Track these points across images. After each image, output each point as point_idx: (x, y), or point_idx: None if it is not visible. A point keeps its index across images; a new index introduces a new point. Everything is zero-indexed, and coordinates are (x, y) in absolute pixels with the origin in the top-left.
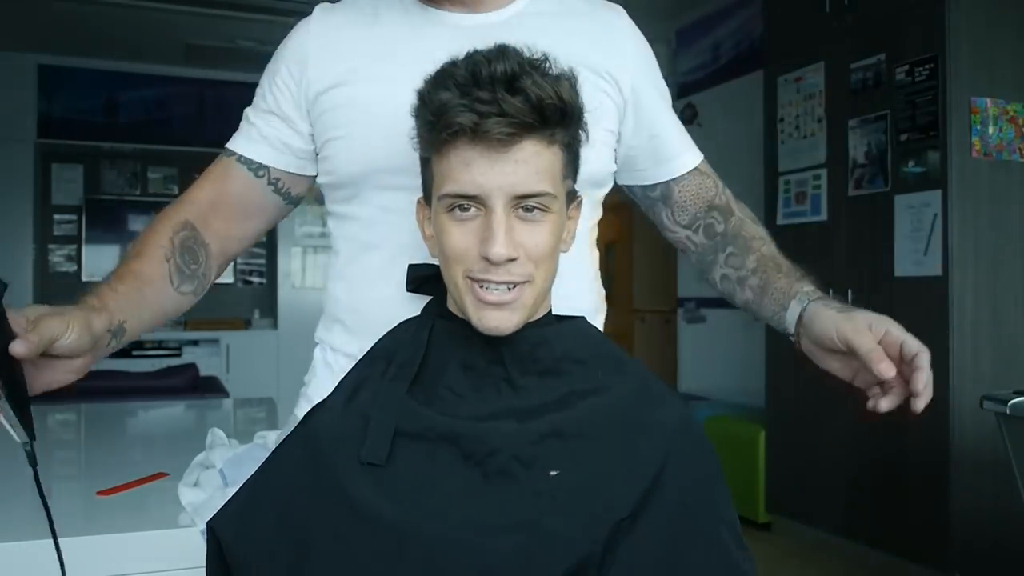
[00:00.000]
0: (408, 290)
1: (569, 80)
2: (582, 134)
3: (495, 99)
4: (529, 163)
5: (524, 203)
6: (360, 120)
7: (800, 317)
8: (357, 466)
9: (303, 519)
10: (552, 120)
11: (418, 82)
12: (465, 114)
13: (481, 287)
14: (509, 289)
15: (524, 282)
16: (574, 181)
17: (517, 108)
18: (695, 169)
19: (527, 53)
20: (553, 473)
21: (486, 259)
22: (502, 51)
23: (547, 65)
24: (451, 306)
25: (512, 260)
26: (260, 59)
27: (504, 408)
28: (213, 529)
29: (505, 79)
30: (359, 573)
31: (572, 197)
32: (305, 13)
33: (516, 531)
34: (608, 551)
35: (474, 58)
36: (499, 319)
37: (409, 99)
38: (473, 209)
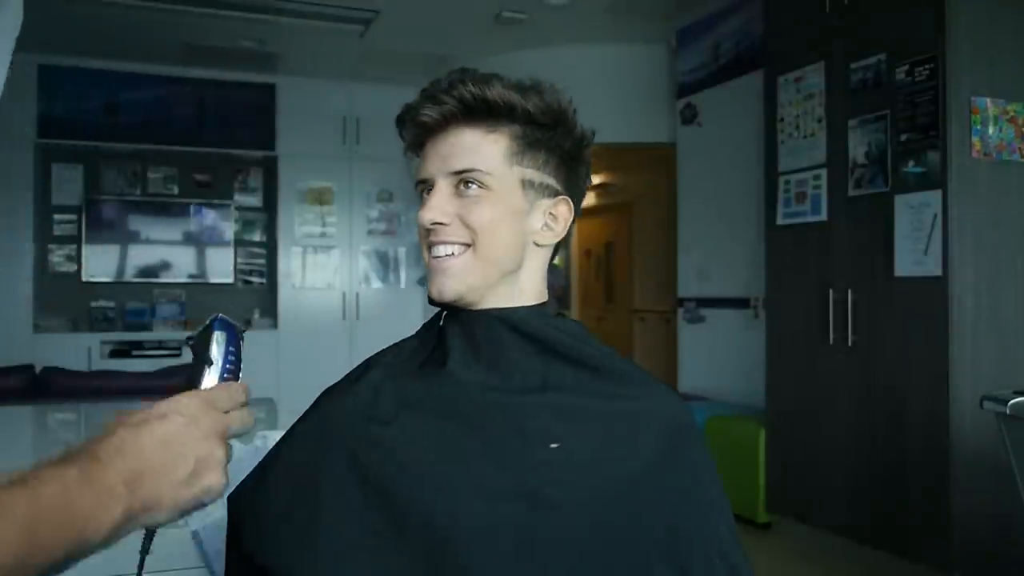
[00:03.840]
0: (429, 302)
1: (521, 88)
2: (546, 133)
3: (435, 96)
4: (464, 146)
5: (461, 178)
6: None
7: None
8: (365, 434)
9: (313, 487)
10: (477, 110)
11: None
12: (412, 110)
13: (431, 254)
14: (449, 255)
15: (462, 245)
16: (557, 181)
17: (446, 101)
18: None
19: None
20: (554, 446)
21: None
22: (462, 69)
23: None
24: None
25: (442, 224)
26: (260, 59)
27: (506, 385)
28: (230, 506)
29: (448, 84)
30: (367, 539)
31: (551, 192)
32: (305, 13)
33: (517, 500)
34: (608, 525)
35: (446, 75)
36: (442, 284)
37: None
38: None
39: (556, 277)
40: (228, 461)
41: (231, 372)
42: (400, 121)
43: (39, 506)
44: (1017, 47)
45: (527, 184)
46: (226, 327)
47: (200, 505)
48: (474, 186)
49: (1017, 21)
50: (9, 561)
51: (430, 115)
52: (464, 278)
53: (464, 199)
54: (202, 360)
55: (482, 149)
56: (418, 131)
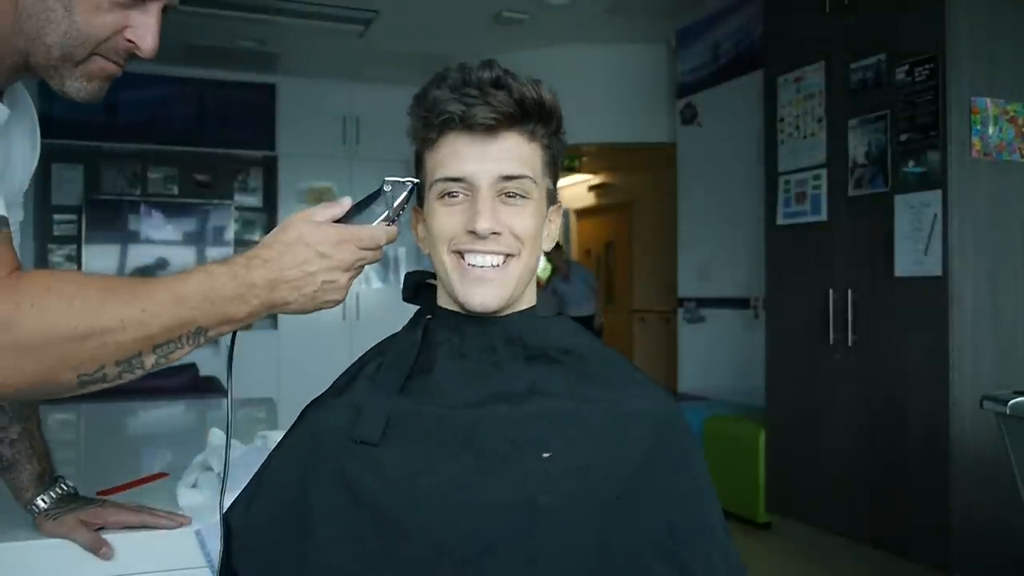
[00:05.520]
0: (404, 299)
1: (550, 90)
2: (560, 143)
3: (482, 94)
4: (512, 151)
5: (507, 187)
6: None
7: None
8: (353, 452)
9: (304, 505)
10: (532, 114)
11: None
12: (455, 104)
13: (467, 262)
14: (495, 266)
15: (510, 255)
16: (553, 186)
17: (501, 100)
18: None
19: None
20: (546, 455)
21: (472, 232)
22: (489, 62)
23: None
24: (442, 301)
25: (497, 234)
26: (260, 59)
27: (495, 393)
28: (227, 522)
29: (491, 81)
30: (361, 556)
31: (552, 200)
32: (305, 13)
33: (513, 510)
34: (605, 528)
35: (465, 66)
36: (484, 295)
37: None
38: (461, 195)
39: (585, 294)
40: (357, 275)
41: (392, 222)
42: (437, 112)
43: (185, 286)
44: (1017, 47)
45: (548, 193)
46: (412, 194)
47: (318, 310)
48: (519, 196)
49: (1017, 21)
50: (164, 322)
51: (492, 116)
52: (508, 288)
53: (509, 207)
54: (376, 202)
55: (528, 156)
56: (449, 123)
